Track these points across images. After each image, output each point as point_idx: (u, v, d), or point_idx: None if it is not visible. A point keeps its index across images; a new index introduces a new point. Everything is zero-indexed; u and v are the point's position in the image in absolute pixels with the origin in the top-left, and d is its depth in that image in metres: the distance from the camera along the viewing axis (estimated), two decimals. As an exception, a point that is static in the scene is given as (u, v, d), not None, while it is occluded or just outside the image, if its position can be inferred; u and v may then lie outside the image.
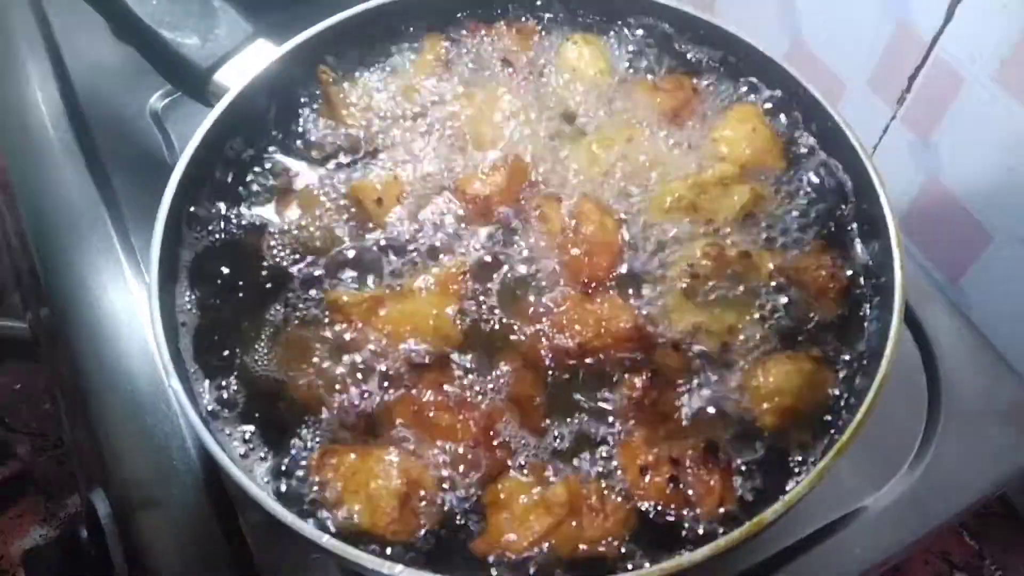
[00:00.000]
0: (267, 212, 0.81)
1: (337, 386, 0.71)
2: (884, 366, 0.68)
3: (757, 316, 0.75)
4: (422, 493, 0.66)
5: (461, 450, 0.68)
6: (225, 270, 0.78)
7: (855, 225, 0.81)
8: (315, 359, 0.72)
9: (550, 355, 0.72)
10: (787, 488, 0.66)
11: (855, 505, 0.83)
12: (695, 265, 0.76)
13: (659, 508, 0.66)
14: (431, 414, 0.69)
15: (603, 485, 0.67)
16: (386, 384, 0.71)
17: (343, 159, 0.85)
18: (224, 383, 0.71)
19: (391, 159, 0.85)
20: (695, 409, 0.71)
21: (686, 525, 0.66)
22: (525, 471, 0.68)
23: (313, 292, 0.76)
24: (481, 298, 0.75)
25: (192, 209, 0.80)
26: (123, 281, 0.94)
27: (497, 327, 0.74)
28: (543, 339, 0.73)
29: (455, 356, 0.72)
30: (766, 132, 0.85)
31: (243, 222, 0.81)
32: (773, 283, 0.76)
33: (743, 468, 0.68)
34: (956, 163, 1.00)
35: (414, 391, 0.70)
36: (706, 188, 0.80)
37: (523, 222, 0.80)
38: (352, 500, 0.65)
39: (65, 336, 0.92)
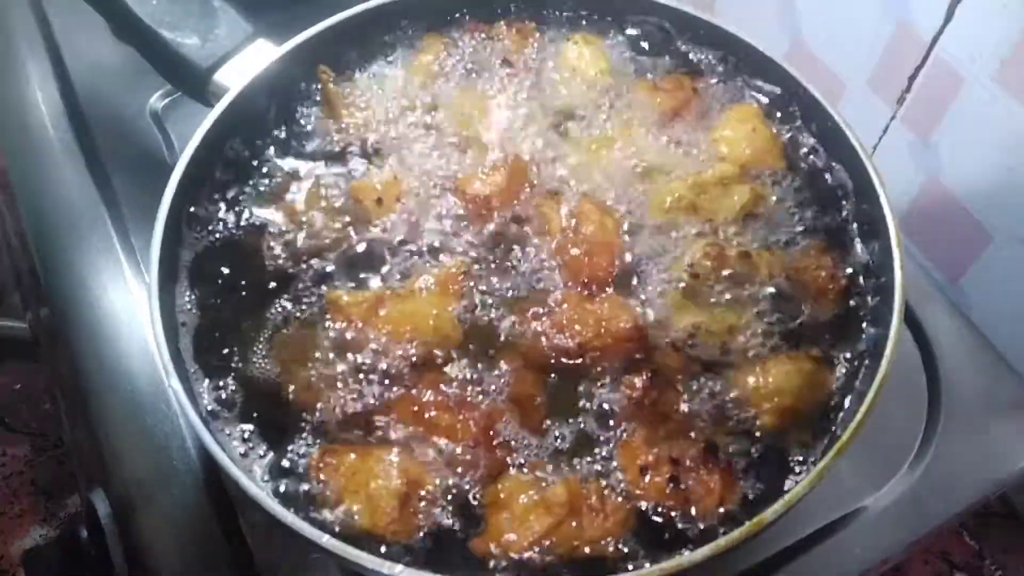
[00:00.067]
0: (267, 212, 0.81)
1: (337, 386, 0.71)
2: (884, 366, 0.68)
3: (757, 316, 0.75)
4: (422, 493, 0.66)
5: (461, 450, 0.68)
6: (225, 270, 0.78)
7: (855, 225, 0.81)
8: (315, 359, 0.72)
9: (550, 355, 0.72)
10: (787, 488, 0.66)
11: (855, 505, 0.83)
12: (695, 265, 0.76)
13: (659, 508, 0.66)
14: (431, 414, 0.69)
15: (603, 485, 0.67)
16: (386, 384, 0.71)
17: (343, 159, 0.85)
18: (224, 383, 0.71)
19: (391, 159, 0.85)
20: (695, 409, 0.71)
21: (686, 525, 0.66)
22: (525, 471, 0.68)
23: (313, 292, 0.76)
24: (481, 298, 0.75)
25: (192, 209, 0.80)
26: (123, 281, 0.94)
27: (497, 327, 0.74)
28: (543, 339, 0.73)
29: (455, 356, 0.72)
30: (766, 132, 0.85)
31: (243, 222, 0.81)
32: (773, 283, 0.76)
33: (743, 468, 0.68)
34: (956, 163, 1.00)
35: (414, 391, 0.70)
36: (706, 188, 0.80)
37: (523, 222, 0.80)
38: (352, 500, 0.65)
39: (65, 336, 0.92)
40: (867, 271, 0.78)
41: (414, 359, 0.72)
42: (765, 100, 0.89)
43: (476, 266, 0.77)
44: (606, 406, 0.71)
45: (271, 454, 0.68)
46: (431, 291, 0.75)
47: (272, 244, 0.79)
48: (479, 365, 0.72)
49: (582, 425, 0.70)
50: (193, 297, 0.76)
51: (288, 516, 0.61)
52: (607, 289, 0.76)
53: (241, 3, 0.90)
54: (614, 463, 0.68)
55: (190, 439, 0.83)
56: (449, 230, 0.79)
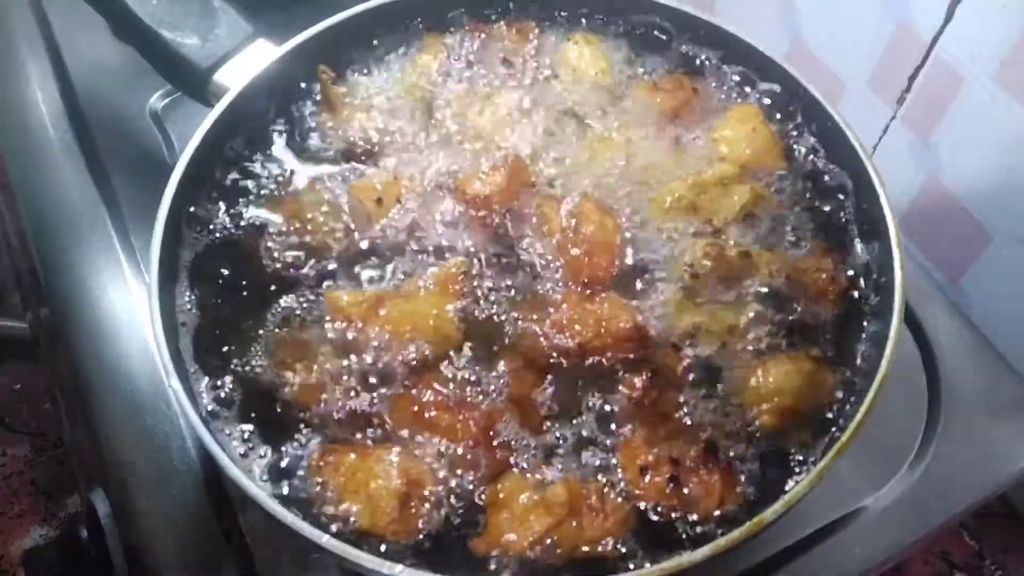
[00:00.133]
0: (267, 212, 0.81)
1: (337, 386, 0.71)
2: (884, 366, 0.68)
3: (757, 316, 0.75)
4: (422, 493, 0.66)
5: (461, 450, 0.68)
6: (225, 270, 0.78)
7: (855, 225, 0.81)
8: (315, 359, 0.72)
9: (550, 355, 0.72)
10: (787, 488, 0.66)
11: (855, 505, 0.83)
12: (695, 265, 0.76)
13: (659, 508, 0.66)
14: (431, 414, 0.69)
15: (603, 484, 0.67)
16: (386, 384, 0.71)
17: (343, 159, 0.85)
18: (224, 383, 0.71)
19: (391, 159, 0.85)
20: (695, 409, 0.71)
21: (686, 525, 0.66)
22: (525, 471, 0.68)
23: (313, 292, 0.76)
24: (481, 298, 0.75)
25: (192, 209, 0.80)
26: (123, 281, 0.94)
27: (497, 327, 0.74)
28: (543, 339, 0.73)
29: (455, 356, 0.72)
30: (766, 132, 0.85)
31: (243, 222, 0.81)
32: (773, 283, 0.76)
33: (743, 468, 0.68)
34: (956, 163, 1.00)
35: (414, 391, 0.70)
36: (706, 188, 0.80)
37: (523, 222, 0.80)
38: (352, 500, 0.65)
39: (65, 336, 0.92)
40: (867, 271, 0.78)
41: (414, 359, 0.72)
42: (765, 100, 0.89)
43: (476, 266, 0.77)
44: (606, 406, 0.71)
45: (271, 454, 0.68)
46: (431, 291, 0.75)
47: (272, 244, 0.79)
48: (479, 365, 0.72)
49: (582, 425, 0.70)
50: (193, 297, 0.76)
51: (288, 516, 0.61)
52: (607, 289, 0.76)
53: (241, 3, 0.90)
54: (614, 463, 0.68)
55: (190, 439, 0.83)
56: (449, 230, 0.79)
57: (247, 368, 0.72)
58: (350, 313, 0.73)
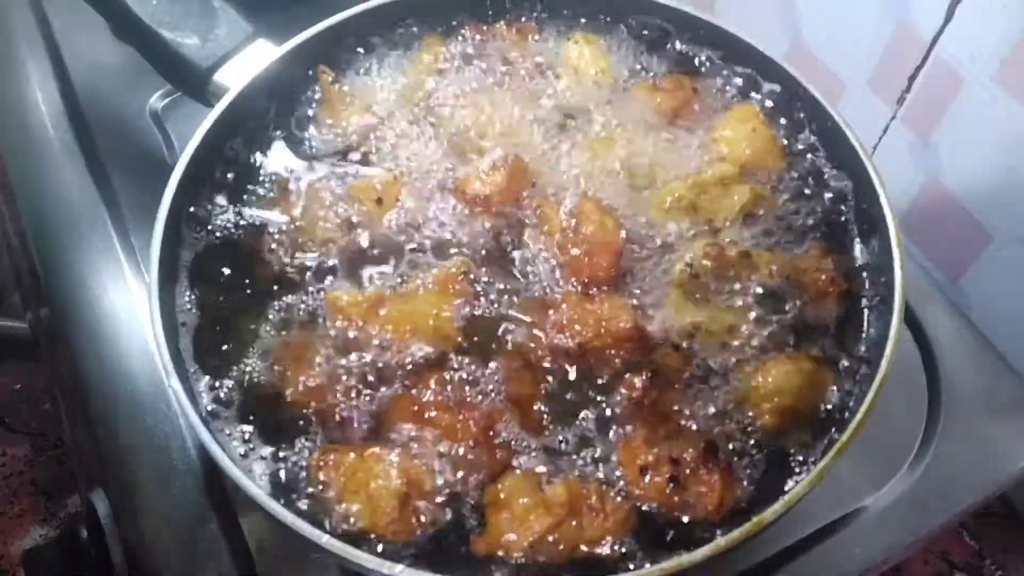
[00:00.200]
0: (267, 212, 0.81)
1: (337, 386, 0.71)
2: (884, 366, 0.68)
3: (757, 316, 0.75)
4: (422, 493, 0.66)
5: (461, 450, 0.68)
6: (225, 270, 0.78)
7: (855, 225, 0.81)
8: (315, 359, 0.72)
9: (550, 355, 0.72)
10: (787, 488, 0.66)
11: (855, 505, 0.83)
12: (695, 265, 0.76)
13: (659, 508, 0.66)
14: (431, 414, 0.69)
15: (603, 483, 0.67)
16: (386, 384, 0.71)
17: (343, 159, 0.85)
18: (224, 383, 0.71)
19: (391, 159, 0.85)
20: (695, 409, 0.71)
21: (686, 525, 0.66)
22: (525, 471, 0.68)
23: (313, 292, 0.76)
24: (481, 298, 0.75)
25: (192, 209, 0.80)
26: (123, 281, 0.94)
27: (497, 327, 0.74)
28: (543, 339, 0.73)
29: (455, 356, 0.72)
30: (766, 132, 0.85)
31: (243, 222, 0.81)
32: (773, 283, 0.76)
33: (743, 468, 0.68)
34: (956, 163, 1.00)
35: (414, 391, 0.70)
36: (706, 188, 0.80)
37: (523, 222, 0.80)
38: (352, 500, 0.65)
39: (65, 336, 0.92)
40: (867, 271, 0.78)
41: (414, 359, 0.72)
42: (765, 100, 0.88)
43: (476, 266, 0.77)
44: (606, 406, 0.71)
45: (271, 454, 0.68)
46: (431, 291, 0.75)
47: (272, 244, 0.79)
48: (479, 365, 0.72)
49: (582, 425, 0.70)
50: (193, 297, 0.76)
51: (288, 516, 0.61)
52: (607, 289, 0.76)
53: (241, 3, 0.90)
54: (614, 463, 0.68)
55: (190, 439, 0.83)
56: (449, 230, 0.79)
57: (247, 368, 0.72)
58: (350, 313, 0.73)
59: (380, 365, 0.72)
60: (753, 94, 0.89)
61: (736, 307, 0.75)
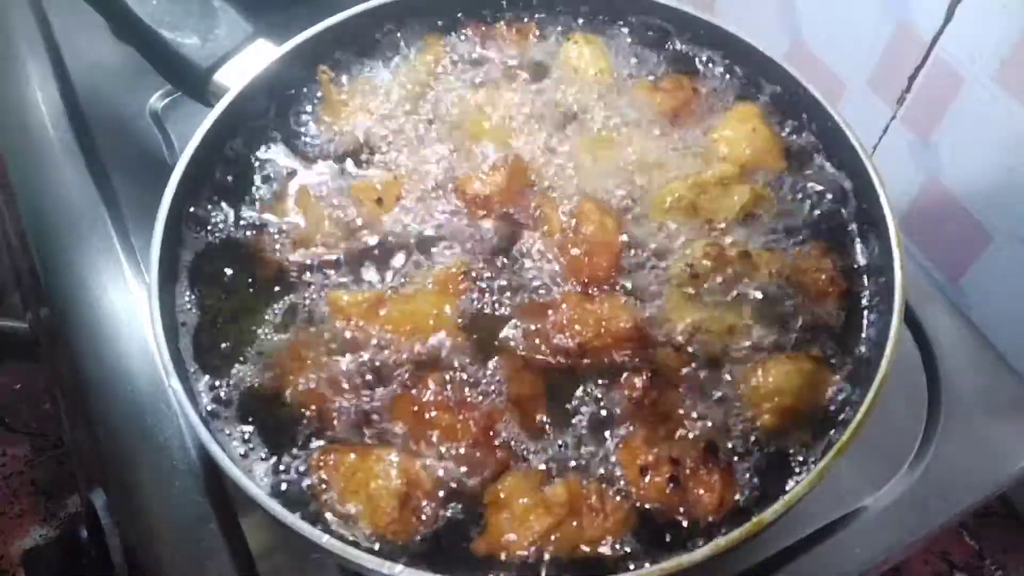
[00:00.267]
0: (267, 212, 0.81)
1: (337, 386, 0.71)
2: (884, 366, 0.68)
3: (757, 316, 0.75)
4: (422, 493, 0.66)
5: (461, 450, 0.68)
6: (225, 270, 0.78)
7: (855, 225, 0.81)
8: (315, 359, 0.72)
9: (550, 355, 0.72)
10: (787, 488, 0.66)
11: (855, 505, 0.83)
12: (695, 265, 0.76)
13: (659, 508, 0.66)
14: (431, 414, 0.69)
15: (603, 483, 0.67)
16: (386, 384, 0.71)
17: (343, 159, 0.85)
18: (224, 383, 0.71)
19: (391, 159, 0.85)
20: (695, 409, 0.71)
21: (686, 525, 0.66)
22: (525, 471, 0.68)
23: (313, 292, 0.76)
24: (481, 298, 0.75)
25: (192, 209, 0.80)
26: (123, 281, 0.94)
27: (497, 327, 0.74)
28: (543, 339, 0.73)
29: (455, 356, 0.72)
30: (766, 132, 0.85)
31: (243, 222, 0.81)
32: (773, 283, 0.76)
33: (743, 468, 0.68)
34: (956, 163, 1.00)
35: (414, 391, 0.70)
36: (706, 188, 0.80)
37: (523, 222, 0.80)
38: (352, 500, 0.65)
39: (65, 336, 0.92)
40: (867, 271, 0.78)
41: (414, 359, 0.72)
42: (765, 100, 0.89)
43: (476, 266, 0.77)
44: (606, 406, 0.71)
45: (271, 454, 0.68)
46: (431, 291, 0.75)
47: (272, 244, 0.79)
48: (479, 365, 0.72)
49: (582, 425, 0.70)
50: (193, 297, 0.76)
51: (288, 516, 0.61)
52: (607, 289, 0.76)
53: (241, 3, 0.90)
54: (614, 463, 0.68)
55: (190, 439, 0.83)
56: (449, 230, 0.79)
57: (247, 368, 0.72)
58: (350, 313, 0.73)
59: (380, 365, 0.72)
60: (753, 94, 0.89)
61: (736, 307, 0.75)
